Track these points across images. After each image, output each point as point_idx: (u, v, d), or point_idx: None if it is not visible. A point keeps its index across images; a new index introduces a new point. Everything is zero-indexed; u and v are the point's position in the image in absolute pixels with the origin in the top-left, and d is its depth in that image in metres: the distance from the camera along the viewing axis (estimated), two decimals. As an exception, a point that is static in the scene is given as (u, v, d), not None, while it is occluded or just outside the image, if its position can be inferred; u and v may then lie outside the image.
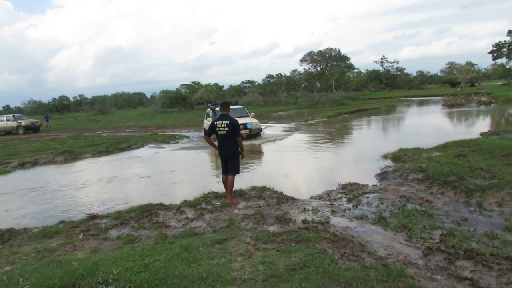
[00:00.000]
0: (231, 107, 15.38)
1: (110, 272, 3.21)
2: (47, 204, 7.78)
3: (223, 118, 6.26)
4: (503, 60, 51.24)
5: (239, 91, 69.42)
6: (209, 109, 17.45)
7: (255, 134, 15.96)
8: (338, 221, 4.99)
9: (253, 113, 17.96)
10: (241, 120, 14.25)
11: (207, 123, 16.06)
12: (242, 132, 12.76)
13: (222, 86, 67.60)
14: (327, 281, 3.08)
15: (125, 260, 3.75)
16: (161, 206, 6.36)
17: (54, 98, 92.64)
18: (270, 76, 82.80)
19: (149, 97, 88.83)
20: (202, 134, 20.97)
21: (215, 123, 6.29)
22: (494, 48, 52.52)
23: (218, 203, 6.25)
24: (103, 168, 12.26)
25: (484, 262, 3.39)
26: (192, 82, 65.28)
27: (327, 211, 5.45)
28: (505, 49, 50.83)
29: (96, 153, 15.04)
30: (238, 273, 3.38)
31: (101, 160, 13.85)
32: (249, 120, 15.98)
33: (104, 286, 3.06)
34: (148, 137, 19.00)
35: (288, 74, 74.58)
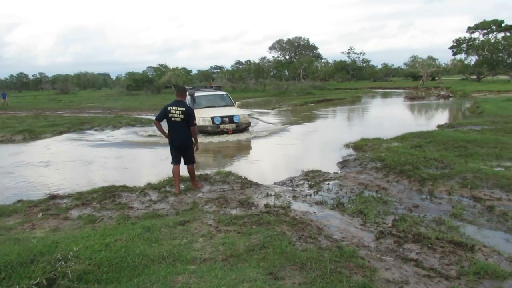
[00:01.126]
0: (212, 93, 14.37)
1: (70, 250, 3.19)
2: (3, 184, 7.49)
3: (178, 104, 5.88)
4: (462, 56, 53.54)
5: (208, 76, 68.63)
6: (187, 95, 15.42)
7: (243, 128, 12.80)
8: (298, 206, 5.17)
9: (239, 102, 14.51)
10: (225, 111, 12.80)
11: None
12: (227, 126, 12.21)
13: (190, 71, 66.62)
14: (283, 261, 3.22)
15: (86, 239, 3.73)
16: (125, 188, 6.30)
17: (11, 75, 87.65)
18: (239, 62, 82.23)
19: (114, 78, 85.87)
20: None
21: (169, 108, 5.89)
22: (454, 44, 54.70)
23: (183, 186, 6.27)
24: (65, 148, 11.86)
25: (430, 245, 3.66)
26: (159, 65, 63.81)
27: (289, 197, 5.62)
28: (464, 45, 53.06)
29: (57, 133, 14.50)
30: (198, 253, 3.46)
31: (62, 140, 13.38)
32: (236, 112, 12.99)
33: (63, 263, 3.04)
34: (112, 119, 18.47)
35: (257, 61, 74.38)
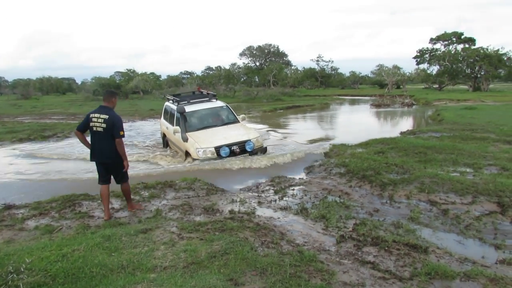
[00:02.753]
0: (207, 106, 10.10)
1: (23, 262, 3.07)
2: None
3: (101, 111, 4.94)
4: (425, 66, 55.77)
5: (177, 82, 67.88)
6: (170, 106, 10.89)
7: (255, 153, 9.09)
8: (263, 212, 5.21)
9: (244, 115, 11.10)
10: (232, 135, 9.08)
11: (168, 126, 10.52)
12: (237, 150, 8.66)
13: (159, 76, 65.69)
14: (244, 267, 3.24)
15: (41, 250, 3.61)
16: (86, 196, 6.12)
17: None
18: (209, 68, 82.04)
19: (79, 83, 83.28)
20: (135, 124, 20.22)
21: (91, 115, 4.98)
22: (418, 54, 56.91)
23: (147, 193, 6.17)
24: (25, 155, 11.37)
25: (387, 248, 3.78)
26: (127, 69, 62.45)
27: (254, 202, 5.65)
28: (427, 55, 55.31)
29: (15, 141, 13.87)
30: (159, 261, 3.42)
31: (22, 147, 12.81)
32: (246, 135, 9.23)
33: (15, 276, 2.92)
34: (75, 125, 17.85)
35: (227, 67, 74.48)
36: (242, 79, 69.63)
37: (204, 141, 8.71)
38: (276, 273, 3.08)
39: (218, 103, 10.69)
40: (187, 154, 8.99)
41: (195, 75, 74.95)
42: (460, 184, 5.80)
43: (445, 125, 14.17)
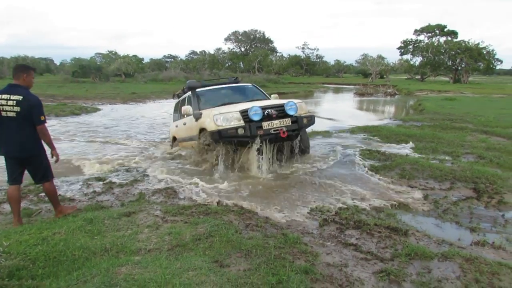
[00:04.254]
0: (228, 85, 8.03)
1: (0, 245, 2.99)
2: None
3: (11, 91, 3.87)
4: (408, 56, 56.55)
5: (160, 66, 66.88)
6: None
7: (306, 126, 6.49)
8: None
9: (276, 95, 8.20)
10: (264, 102, 6.71)
11: (179, 121, 8.14)
12: (277, 125, 5.91)
13: (142, 59, 64.41)
14: (229, 249, 3.26)
15: (20, 233, 3.54)
16: (66, 180, 6.01)
17: None
18: (193, 52, 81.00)
19: (58, 64, 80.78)
20: (116, 107, 19.83)
21: None
22: (402, 45, 57.65)
23: (129, 176, 6.10)
24: None
25: (368, 231, 3.86)
26: (108, 51, 60.95)
27: (238, 187, 5.64)
28: (411, 46, 56.08)
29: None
30: (143, 244, 3.40)
31: None
32: (277, 102, 6.58)
33: (-8, 260, 2.85)
34: (55, 107, 17.44)
35: (212, 52, 73.63)
36: (227, 65, 68.99)
37: (224, 109, 6.33)
38: (261, 255, 3.11)
39: (241, 84, 8.52)
40: (202, 133, 6.47)
41: (179, 59, 73.88)
42: (439, 171, 5.94)
43: (426, 115, 14.45)
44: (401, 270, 2.95)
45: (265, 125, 5.86)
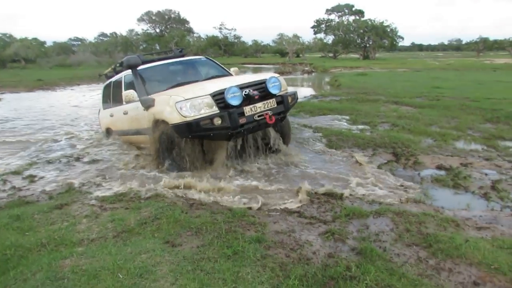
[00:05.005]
0: (176, 60, 6.62)
1: None
2: None
3: None
4: (322, 35, 59.25)
5: (66, 49, 61.18)
6: (113, 81, 6.85)
7: (291, 106, 5.40)
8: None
9: (236, 68, 6.93)
10: (235, 80, 5.26)
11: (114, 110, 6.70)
12: (261, 108, 4.79)
13: (44, 42, 58.37)
14: (178, 229, 3.23)
15: None
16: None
17: None
18: (103, 34, 75.41)
19: None
20: (21, 96, 17.82)
21: None
22: (315, 24, 60.11)
23: (52, 168, 5.62)
24: None
25: (311, 199, 4.09)
26: (1, 34, 54.02)
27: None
28: (323, 26, 58.74)
29: None
30: (85, 234, 3.22)
31: None
32: (263, 76, 5.29)
33: None
34: None
35: (124, 33, 69.32)
36: (142, 47, 65.62)
37: (187, 92, 4.81)
38: (212, 231, 3.14)
39: (192, 57, 7.17)
40: (158, 125, 5.00)
41: (88, 41, 68.39)
42: (362, 140, 6.46)
43: (343, 90, 15.41)
44: (343, 229, 3.20)
45: (247, 110, 4.63)
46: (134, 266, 2.58)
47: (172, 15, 74.49)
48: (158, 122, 4.95)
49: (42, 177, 5.25)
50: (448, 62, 35.01)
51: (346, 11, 57.32)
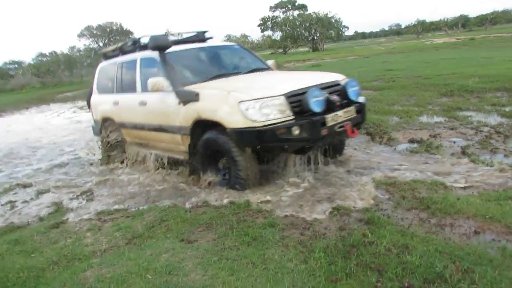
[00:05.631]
0: (208, 44, 5.75)
1: None
2: None
3: None
4: (269, 32, 60.05)
5: (3, 74, 57.55)
6: (118, 62, 5.86)
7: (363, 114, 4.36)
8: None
9: (273, 61, 6.06)
10: (298, 77, 4.83)
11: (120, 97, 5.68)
12: (342, 116, 3.89)
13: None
14: (188, 227, 3.29)
15: None
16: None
17: None
18: (42, 54, 71.77)
19: None
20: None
21: None
22: (261, 22, 60.75)
23: (32, 190, 5.41)
24: None
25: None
26: None
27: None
28: (269, 23, 59.52)
29: None
30: (94, 246, 3.18)
31: None
32: (328, 77, 4.35)
33: None
34: None
35: (65, 51, 66.48)
36: (87, 63, 63.23)
37: (250, 89, 3.95)
38: (222, 224, 3.23)
39: (225, 43, 6.31)
40: (200, 126, 4.18)
41: (26, 63, 64.79)
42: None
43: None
44: (349, 207, 3.40)
45: (329, 119, 3.74)
46: (160, 265, 2.62)
47: (114, 27, 72.40)
48: (201, 122, 4.08)
49: (24, 200, 5.04)
50: (392, 46, 36.81)
51: (290, 6, 58.50)
